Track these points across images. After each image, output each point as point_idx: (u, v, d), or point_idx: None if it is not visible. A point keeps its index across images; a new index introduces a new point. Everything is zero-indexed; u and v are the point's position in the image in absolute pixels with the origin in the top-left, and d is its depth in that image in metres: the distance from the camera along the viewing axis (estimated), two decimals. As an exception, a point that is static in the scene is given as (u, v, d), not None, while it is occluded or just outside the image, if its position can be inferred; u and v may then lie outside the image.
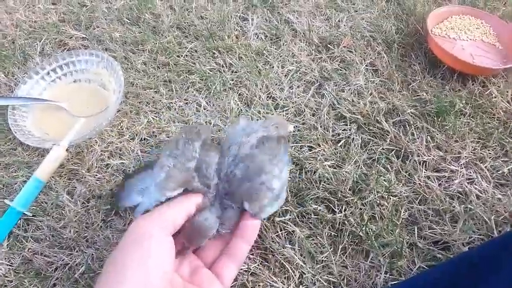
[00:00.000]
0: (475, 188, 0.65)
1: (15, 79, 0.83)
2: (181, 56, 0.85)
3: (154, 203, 0.50)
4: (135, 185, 0.56)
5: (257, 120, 0.74)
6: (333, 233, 0.61)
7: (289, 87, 0.80)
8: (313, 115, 0.75)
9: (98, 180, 0.67)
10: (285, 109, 0.76)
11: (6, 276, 0.58)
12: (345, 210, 0.62)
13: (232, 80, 0.81)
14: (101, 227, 0.62)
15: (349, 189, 0.64)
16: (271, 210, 0.53)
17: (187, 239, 0.49)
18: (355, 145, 0.70)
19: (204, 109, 0.77)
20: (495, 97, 0.77)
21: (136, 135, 0.73)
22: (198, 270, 0.50)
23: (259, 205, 0.51)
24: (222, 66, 0.84)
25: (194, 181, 0.51)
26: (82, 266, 0.58)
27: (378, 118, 0.73)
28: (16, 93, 0.76)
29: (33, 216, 0.63)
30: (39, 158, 0.70)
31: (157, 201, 0.50)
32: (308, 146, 0.71)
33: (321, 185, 0.65)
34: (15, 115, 0.74)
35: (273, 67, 0.83)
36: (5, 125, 0.74)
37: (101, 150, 0.71)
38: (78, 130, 0.70)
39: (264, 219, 0.56)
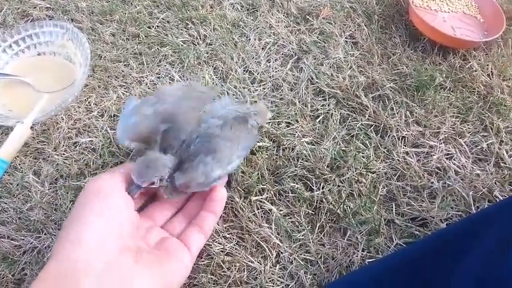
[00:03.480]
0: (454, 164, 0.66)
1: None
2: (152, 27, 0.83)
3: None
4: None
5: (234, 97, 0.73)
6: (310, 211, 0.61)
7: (267, 61, 0.79)
8: (291, 90, 0.75)
9: (65, 159, 0.66)
10: (262, 83, 0.75)
11: (-29, 261, 0.56)
12: (322, 187, 0.63)
13: (207, 53, 0.80)
14: (70, 208, 0.61)
15: (327, 166, 0.65)
16: (197, 190, 0.52)
17: (137, 173, 0.47)
18: (333, 121, 0.70)
19: (177, 83, 0.75)
20: (475, 71, 0.78)
21: (105, 111, 0.71)
22: (165, 238, 0.50)
23: (187, 181, 0.50)
24: (196, 38, 0.82)
25: (155, 144, 0.51)
26: (50, 249, 0.57)
27: (357, 93, 0.73)
28: (-23, 67, 0.73)
29: (-3, 198, 0.62)
30: (2, 137, 0.68)
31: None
32: (286, 122, 0.70)
33: (298, 163, 0.65)
34: (-25, 91, 0.71)
35: (249, 39, 0.82)
36: (-35, 101, 0.71)
37: (68, 128, 0.69)
38: (42, 106, 0.68)
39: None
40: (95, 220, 0.43)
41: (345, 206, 0.60)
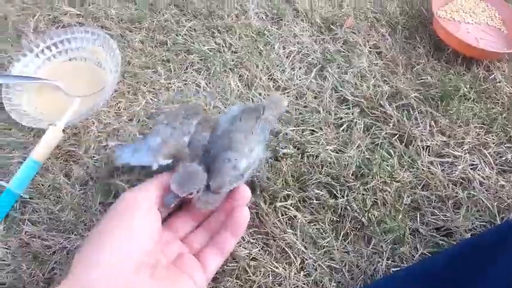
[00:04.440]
0: (478, 174, 0.65)
1: (8, 56, 0.81)
2: (180, 34, 0.84)
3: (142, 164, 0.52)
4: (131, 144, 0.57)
5: (258, 102, 0.73)
6: (334, 219, 0.61)
7: (291, 69, 0.79)
8: (315, 98, 0.75)
9: (95, 162, 0.66)
10: (286, 91, 0.76)
11: (4, 260, 0.57)
12: (347, 195, 0.62)
13: (233, 60, 0.80)
14: (99, 210, 0.61)
15: (352, 174, 0.64)
16: (231, 187, 0.53)
17: (177, 184, 0.48)
18: (357, 129, 0.70)
19: (204, 90, 0.76)
20: (499, 82, 0.77)
21: (135, 116, 0.72)
22: (183, 255, 0.50)
23: (220, 180, 0.51)
24: (222, 46, 0.82)
25: (185, 154, 0.52)
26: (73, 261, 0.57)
27: (381, 102, 0.73)
28: (10, 71, 0.75)
29: (29, 198, 0.62)
30: (34, 139, 0.69)
31: (145, 164, 0.52)
32: (310, 130, 0.70)
33: (323, 170, 0.65)
34: (9, 94, 0.72)
35: (274, 48, 0.82)
36: (-1, 103, 0.73)
37: (98, 131, 0.70)
38: (74, 110, 0.69)
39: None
40: (117, 239, 0.43)
41: (369, 214, 0.60)
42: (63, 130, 0.67)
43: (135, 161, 0.54)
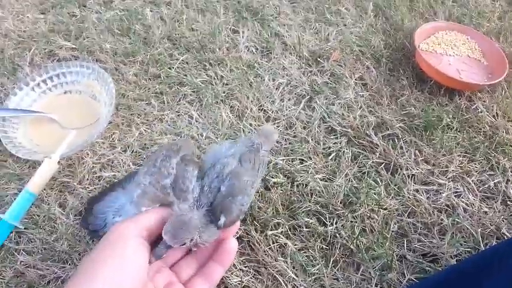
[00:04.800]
0: (462, 201, 0.67)
1: (5, 89, 0.83)
2: (173, 67, 0.87)
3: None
4: (108, 206, 0.57)
5: (248, 133, 0.75)
6: (324, 246, 0.62)
7: (280, 100, 0.82)
8: (304, 128, 0.77)
9: (89, 192, 0.68)
10: (276, 121, 0.78)
11: (-2, 290, 0.58)
12: (336, 223, 0.64)
13: (224, 92, 0.83)
14: (93, 240, 0.62)
15: (340, 202, 0.66)
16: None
17: (170, 235, 0.48)
18: (345, 158, 0.72)
19: (196, 121, 0.78)
20: (481, 112, 0.80)
21: (128, 147, 0.74)
22: (173, 284, 0.51)
23: (231, 220, 0.52)
24: (214, 79, 0.85)
25: (169, 196, 0.52)
26: None
27: (367, 132, 0.76)
28: (6, 104, 0.77)
29: (25, 229, 0.64)
30: (30, 170, 0.70)
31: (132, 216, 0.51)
32: (299, 159, 0.72)
33: (312, 198, 0.67)
34: (5, 126, 0.74)
35: (264, 80, 0.85)
36: (-5, 137, 0.74)
37: (93, 163, 0.71)
38: (69, 142, 0.70)
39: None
40: (109, 269, 0.43)
41: (357, 242, 0.62)
42: (58, 162, 0.69)
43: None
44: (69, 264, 0.60)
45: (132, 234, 0.47)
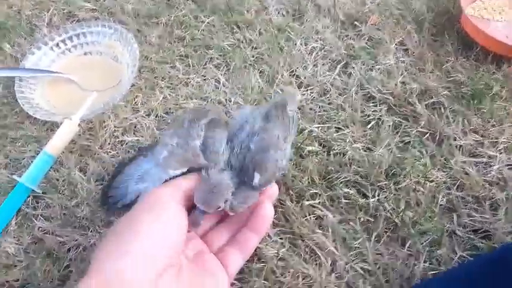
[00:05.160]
0: (516, 175, 0.62)
1: (22, 50, 0.79)
2: (198, 30, 0.82)
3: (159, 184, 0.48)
4: (130, 175, 0.52)
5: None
6: (366, 219, 0.58)
7: (314, 66, 0.76)
8: (340, 95, 0.72)
9: (112, 157, 0.64)
10: (309, 88, 0.73)
11: (16, 256, 0.54)
12: (378, 195, 0.59)
13: (253, 56, 0.78)
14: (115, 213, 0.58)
15: (382, 173, 0.61)
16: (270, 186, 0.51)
17: (202, 200, 0.45)
18: (385, 127, 0.67)
19: (224, 86, 0.73)
20: (532, 81, 0.74)
21: (152, 111, 0.70)
22: (203, 254, 0.47)
23: (267, 178, 0.49)
24: (242, 42, 0.80)
25: (200, 159, 0.49)
26: (94, 251, 0.54)
27: (410, 99, 0.70)
28: (23, 64, 0.73)
29: (43, 193, 0.60)
30: (48, 133, 0.67)
31: (162, 181, 0.48)
32: (335, 127, 0.67)
33: (351, 168, 0.62)
34: (22, 87, 0.70)
35: (295, 44, 0.80)
36: (12, 97, 0.71)
37: (115, 126, 0.67)
38: (91, 104, 0.66)
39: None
40: (147, 233, 0.40)
41: (403, 215, 0.57)
42: (78, 124, 0.65)
43: (151, 184, 0.50)
44: (91, 231, 0.56)
45: (171, 199, 0.44)
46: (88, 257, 0.54)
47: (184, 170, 0.49)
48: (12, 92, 0.71)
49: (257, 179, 0.48)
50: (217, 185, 0.46)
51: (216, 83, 0.74)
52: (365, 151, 0.64)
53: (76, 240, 0.55)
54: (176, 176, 0.48)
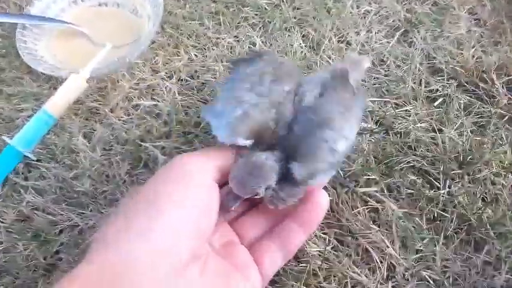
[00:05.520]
0: None
1: (27, -4, 0.69)
2: (232, -15, 0.71)
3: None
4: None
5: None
6: (433, 215, 0.46)
7: (367, 31, 0.65)
8: (399, 66, 0.60)
9: (124, 123, 0.54)
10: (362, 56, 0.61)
11: (-5, 235, 0.45)
12: (449, 186, 0.48)
13: (295, 17, 0.67)
14: (125, 181, 0.48)
15: (453, 160, 0.50)
16: (325, 179, 0.40)
17: (237, 181, 0.35)
18: (455, 106, 0.55)
19: (260, 49, 0.62)
20: None
21: (174, 73, 0.60)
22: (232, 246, 0.38)
23: (312, 168, 0.37)
24: (282, 1, 0.69)
25: (271, 134, 0.38)
26: (97, 230, 0.44)
27: (485, 76, 0.58)
28: (28, 9, 0.63)
29: (37, 161, 0.50)
30: (50, 91, 0.57)
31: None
32: (394, 103, 0.56)
33: (415, 152, 0.51)
34: (24, 36, 0.61)
35: (345, 6, 0.68)
36: (12, 48, 0.61)
37: (130, 87, 0.57)
38: (103, 57, 0.56)
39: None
40: (171, 211, 0.31)
41: (480, 213, 0.45)
42: (86, 81, 0.55)
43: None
44: (91, 211, 0.46)
45: (203, 171, 0.34)
46: (84, 242, 0.44)
47: (251, 142, 0.37)
48: (13, 43, 0.61)
49: (296, 169, 0.36)
50: (259, 167, 0.36)
51: (251, 45, 0.64)
52: (430, 132, 0.53)
53: (71, 220, 0.46)
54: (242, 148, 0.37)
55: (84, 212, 0.46)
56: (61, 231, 0.46)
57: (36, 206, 0.47)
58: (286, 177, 0.37)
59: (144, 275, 0.28)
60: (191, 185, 0.33)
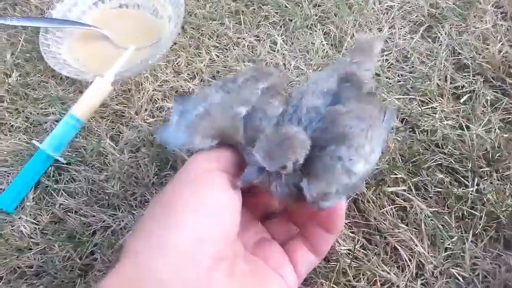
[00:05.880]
0: None
1: (48, 1, 0.71)
2: (252, -17, 0.72)
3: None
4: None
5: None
6: (462, 213, 0.48)
7: (390, 27, 0.66)
8: (423, 62, 0.62)
9: (149, 125, 0.56)
10: (385, 52, 0.63)
11: (31, 237, 0.47)
12: (478, 184, 0.49)
13: (316, 15, 0.68)
14: (154, 183, 0.50)
15: (481, 157, 0.51)
16: (337, 202, 0.36)
17: (266, 152, 0.33)
18: (482, 103, 0.56)
19: (281, 48, 0.64)
20: None
21: (197, 74, 0.62)
22: (266, 243, 0.39)
23: (323, 188, 0.34)
24: (303, -1, 0.70)
25: (238, 134, 0.37)
26: (128, 231, 0.46)
27: (511, 71, 0.59)
28: (50, 13, 0.65)
29: (67, 164, 0.53)
30: (75, 95, 0.60)
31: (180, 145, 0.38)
32: (419, 100, 0.57)
33: (443, 150, 0.52)
34: (47, 39, 0.63)
35: (367, 2, 0.69)
36: (36, 53, 0.64)
37: (153, 90, 0.59)
38: (126, 60, 0.58)
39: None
40: (188, 221, 0.31)
41: (510, 210, 0.47)
42: (111, 84, 0.57)
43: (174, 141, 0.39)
44: (122, 212, 0.49)
45: (212, 172, 0.34)
46: (117, 242, 0.46)
47: (213, 143, 0.37)
48: (37, 47, 0.64)
49: (307, 188, 0.34)
50: (290, 138, 0.33)
51: (272, 44, 0.65)
52: (457, 129, 0.54)
53: (103, 221, 0.48)
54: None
55: (115, 213, 0.49)
56: (94, 232, 0.48)
57: (69, 208, 0.49)
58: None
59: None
60: (206, 188, 0.33)
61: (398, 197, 0.49)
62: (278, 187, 0.35)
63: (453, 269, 0.45)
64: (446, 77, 0.59)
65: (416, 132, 0.54)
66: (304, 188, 0.34)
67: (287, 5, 0.70)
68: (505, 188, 0.49)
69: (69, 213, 0.49)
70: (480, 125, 0.54)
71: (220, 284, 0.31)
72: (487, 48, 0.61)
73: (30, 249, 0.47)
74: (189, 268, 0.30)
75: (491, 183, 0.50)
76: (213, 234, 0.32)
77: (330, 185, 0.34)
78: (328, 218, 0.38)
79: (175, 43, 0.64)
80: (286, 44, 0.65)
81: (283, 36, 0.66)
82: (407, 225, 0.47)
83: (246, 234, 0.38)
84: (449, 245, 0.46)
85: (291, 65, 0.62)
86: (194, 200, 0.32)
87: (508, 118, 0.55)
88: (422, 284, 0.44)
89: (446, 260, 0.46)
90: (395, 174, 0.50)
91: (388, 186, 0.49)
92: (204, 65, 0.62)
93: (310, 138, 0.34)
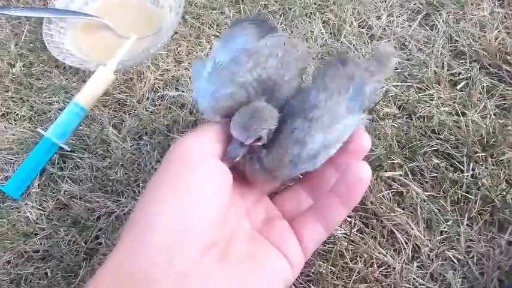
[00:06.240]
0: None
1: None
2: (251, -28, 0.73)
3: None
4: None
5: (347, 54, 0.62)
6: (457, 197, 0.49)
7: (388, 15, 0.67)
8: (421, 49, 0.63)
9: (151, 114, 0.57)
10: (383, 41, 0.64)
11: (37, 223, 0.49)
12: (473, 169, 0.51)
13: (315, 3, 0.69)
14: (156, 169, 0.52)
15: (476, 143, 0.53)
16: (290, 174, 0.37)
17: (240, 126, 0.35)
18: (478, 89, 0.58)
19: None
20: None
21: (198, 63, 0.62)
22: (273, 219, 0.39)
23: (277, 159, 0.36)
24: (302, -13, 0.71)
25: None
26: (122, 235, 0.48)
27: (508, 58, 0.60)
28: (53, 4, 0.67)
29: (71, 151, 0.54)
30: (79, 84, 0.61)
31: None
32: (417, 87, 0.59)
33: (439, 136, 0.53)
34: (51, 30, 0.64)
35: (366, -10, 0.70)
36: (39, 43, 0.65)
37: (155, 79, 0.60)
38: (128, 49, 0.59)
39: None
40: (175, 204, 0.31)
41: (505, 194, 0.48)
42: (114, 73, 0.58)
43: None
44: (125, 198, 0.50)
45: (201, 152, 0.34)
46: (121, 227, 0.48)
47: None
48: (40, 38, 0.65)
49: (263, 155, 0.36)
50: (260, 110, 0.35)
51: (272, 33, 0.66)
52: (453, 115, 0.55)
53: (107, 207, 0.50)
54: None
55: (119, 199, 0.50)
56: (99, 218, 0.50)
57: (73, 194, 0.51)
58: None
59: (153, 279, 0.28)
60: (192, 170, 0.33)
61: (394, 181, 0.50)
62: (251, 164, 0.36)
63: (448, 251, 0.46)
64: (443, 64, 0.61)
65: (413, 118, 0.56)
66: (262, 156, 0.36)
67: (286, -6, 0.71)
68: (499, 173, 0.50)
69: (73, 199, 0.51)
70: (476, 111, 0.55)
71: (211, 270, 0.31)
72: (484, 36, 0.62)
73: (36, 234, 0.49)
74: (179, 255, 0.30)
75: (486, 168, 0.51)
76: (201, 216, 0.31)
77: (283, 156, 0.35)
78: (349, 189, 0.36)
79: (176, 32, 0.66)
80: (285, 32, 0.66)
81: (283, 25, 0.67)
82: (403, 209, 0.49)
83: (255, 211, 0.39)
84: (444, 228, 0.48)
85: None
86: (182, 182, 0.32)
87: (504, 104, 0.57)
88: (418, 266, 0.46)
89: (441, 243, 0.47)
90: (392, 159, 0.52)
91: (385, 171, 0.51)
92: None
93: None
